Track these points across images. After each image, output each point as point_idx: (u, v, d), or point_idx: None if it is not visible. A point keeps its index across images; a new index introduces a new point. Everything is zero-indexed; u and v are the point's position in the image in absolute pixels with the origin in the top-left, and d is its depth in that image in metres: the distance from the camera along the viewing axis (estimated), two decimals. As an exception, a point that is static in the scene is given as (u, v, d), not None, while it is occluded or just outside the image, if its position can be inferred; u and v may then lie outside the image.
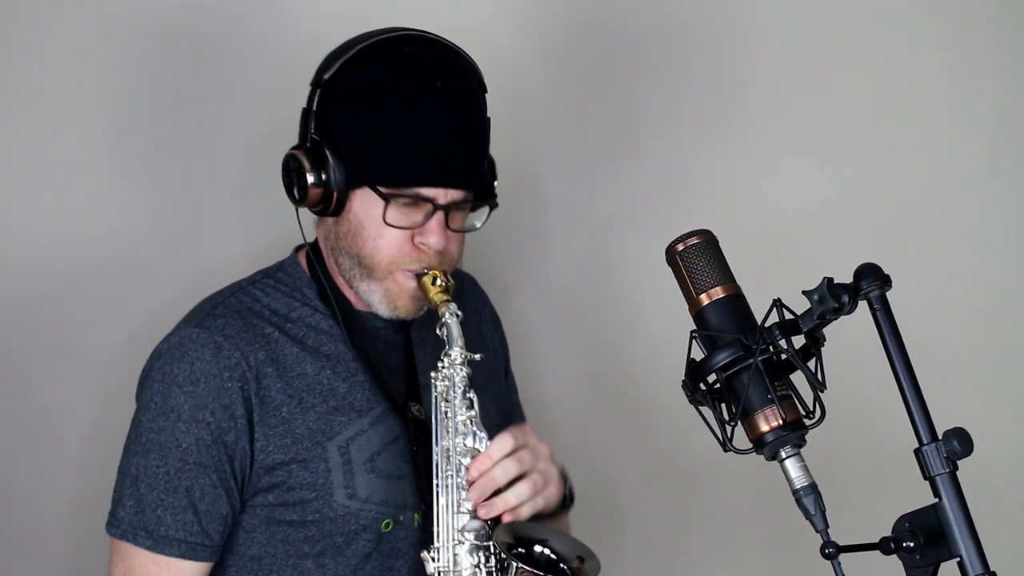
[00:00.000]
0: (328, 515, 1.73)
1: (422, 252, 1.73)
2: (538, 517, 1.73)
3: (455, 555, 1.68)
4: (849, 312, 1.33)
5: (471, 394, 1.72)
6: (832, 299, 1.31)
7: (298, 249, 1.86)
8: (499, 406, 1.96)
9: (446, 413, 1.72)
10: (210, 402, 1.68)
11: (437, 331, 1.74)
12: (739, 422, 1.36)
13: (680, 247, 1.40)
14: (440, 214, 1.71)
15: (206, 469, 1.68)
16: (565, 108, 2.36)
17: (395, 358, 1.83)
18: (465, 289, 1.95)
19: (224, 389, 1.69)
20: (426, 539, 1.72)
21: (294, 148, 1.76)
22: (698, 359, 1.37)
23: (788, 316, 1.35)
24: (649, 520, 2.39)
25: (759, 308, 1.37)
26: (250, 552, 1.75)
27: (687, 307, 1.41)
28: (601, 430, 2.37)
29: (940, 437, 1.30)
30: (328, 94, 1.73)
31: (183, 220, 2.18)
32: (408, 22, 1.78)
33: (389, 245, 1.73)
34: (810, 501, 1.33)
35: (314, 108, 1.74)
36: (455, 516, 1.69)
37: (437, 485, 1.70)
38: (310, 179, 1.72)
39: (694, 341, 1.38)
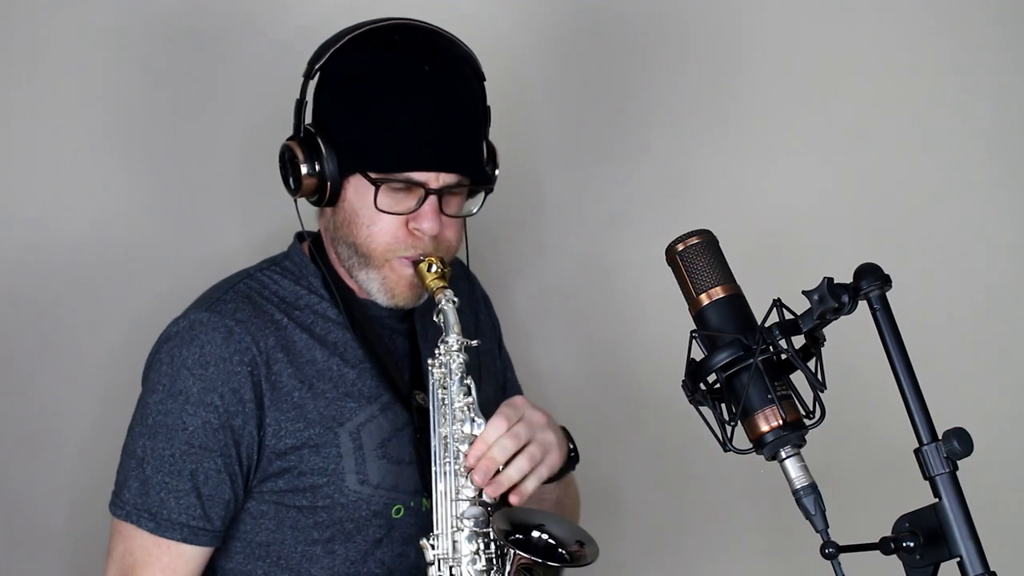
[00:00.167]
0: (339, 501, 1.73)
1: (417, 238, 1.73)
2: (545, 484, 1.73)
3: (454, 542, 1.68)
4: (849, 312, 1.33)
5: (468, 380, 1.72)
6: (832, 299, 1.31)
7: (300, 238, 1.86)
8: (497, 386, 1.96)
9: (443, 400, 1.71)
10: (219, 385, 1.68)
11: (434, 318, 1.74)
12: (739, 422, 1.36)
13: (680, 247, 1.40)
14: (433, 199, 1.71)
15: (211, 453, 1.68)
16: (564, 107, 2.36)
17: (400, 346, 1.83)
18: (455, 273, 1.96)
19: (233, 373, 1.69)
20: (432, 526, 1.71)
21: (289, 139, 1.77)
22: (698, 359, 1.37)
23: (788, 316, 1.35)
24: (649, 520, 2.39)
25: (759, 308, 1.37)
26: (258, 539, 1.75)
27: (687, 307, 1.41)
28: (601, 430, 2.37)
29: (940, 437, 1.30)
30: (319, 84, 1.76)
31: (182, 214, 2.18)
32: (406, 16, 1.78)
33: (384, 232, 1.73)
34: (810, 501, 1.33)
35: (306, 98, 1.76)
36: (454, 503, 1.69)
37: (436, 472, 1.70)
38: (304, 169, 1.73)
39: (694, 341, 1.38)
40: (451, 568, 1.68)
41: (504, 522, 1.65)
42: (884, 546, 1.30)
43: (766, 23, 2.39)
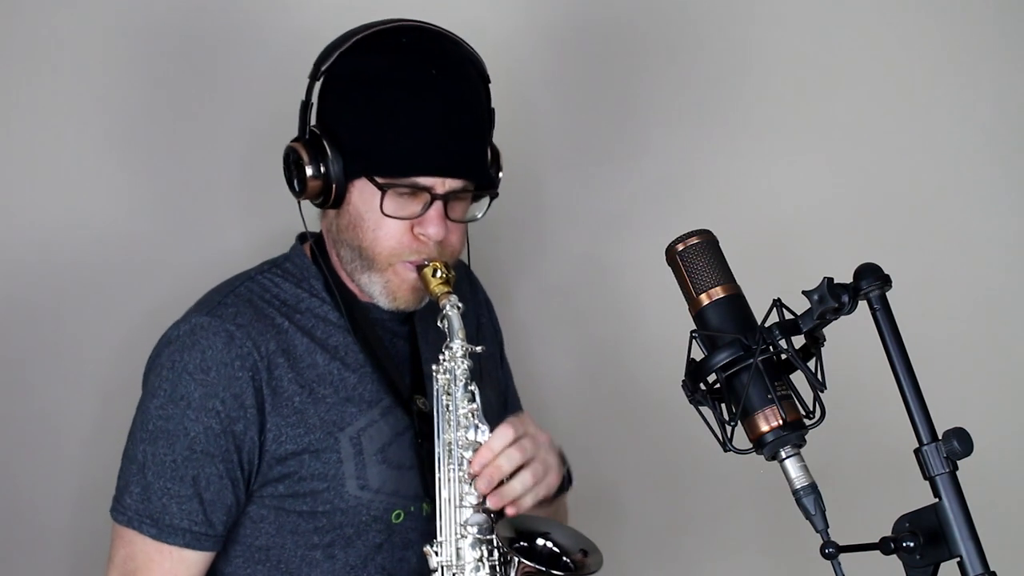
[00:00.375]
0: (339, 506, 1.72)
1: (422, 243, 1.73)
2: (539, 505, 1.73)
3: (458, 549, 1.68)
4: (849, 312, 1.33)
5: (472, 387, 1.71)
6: (832, 299, 1.31)
7: (301, 240, 1.86)
8: (498, 392, 1.96)
9: (447, 406, 1.71)
10: (220, 391, 1.68)
11: (438, 323, 1.73)
12: (739, 422, 1.36)
13: (680, 247, 1.40)
14: (439, 204, 1.71)
15: (213, 458, 1.68)
16: (565, 107, 2.36)
17: (401, 350, 1.83)
18: (458, 276, 1.95)
19: (235, 378, 1.68)
20: (435, 530, 1.71)
21: (294, 141, 1.76)
22: (698, 359, 1.37)
23: (788, 316, 1.35)
24: (649, 520, 2.39)
25: (759, 308, 1.37)
26: (258, 543, 1.74)
27: (687, 307, 1.40)
28: (601, 430, 2.37)
29: (940, 437, 1.30)
30: (325, 86, 1.74)
31: (184, 215, 2.18)
32: (411, 17, 1.78)
33: (389, 236, 1.72)
34: (810, 501, 1.33)
35: (312, 100, 1.75)
36: (457, 510, 1.68)
37: (439, 479, 1.70)
38: (309, 171, 1.72)
39: (694, 341, 1.38)
40: (454, 575, 1.67)
41: (508, 530, 1.65)
42: (884, 546, 1.30)
43: (766, 24, 2.39)
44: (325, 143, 1.72)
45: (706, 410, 1.38)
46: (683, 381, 1.39)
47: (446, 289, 1.72)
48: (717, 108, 2.38)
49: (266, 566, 1.75)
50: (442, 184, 1.71)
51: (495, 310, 2.06)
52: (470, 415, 1.70)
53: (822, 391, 1.35)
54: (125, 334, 2.12)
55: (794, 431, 1.34)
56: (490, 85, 1.79)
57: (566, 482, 1.82)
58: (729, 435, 1.36)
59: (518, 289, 2.32)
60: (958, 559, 1.28)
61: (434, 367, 1.73)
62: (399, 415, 1.77)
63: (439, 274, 1.72)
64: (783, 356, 1.36)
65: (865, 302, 1.33)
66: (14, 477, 2.12)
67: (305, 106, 1.76)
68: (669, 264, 1.41)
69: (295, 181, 1.75)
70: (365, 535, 1.75)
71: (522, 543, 1.64)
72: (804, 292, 1.33)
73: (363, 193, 1.72)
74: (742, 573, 2.45)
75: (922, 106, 2.43)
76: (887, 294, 1.33)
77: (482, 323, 1.99)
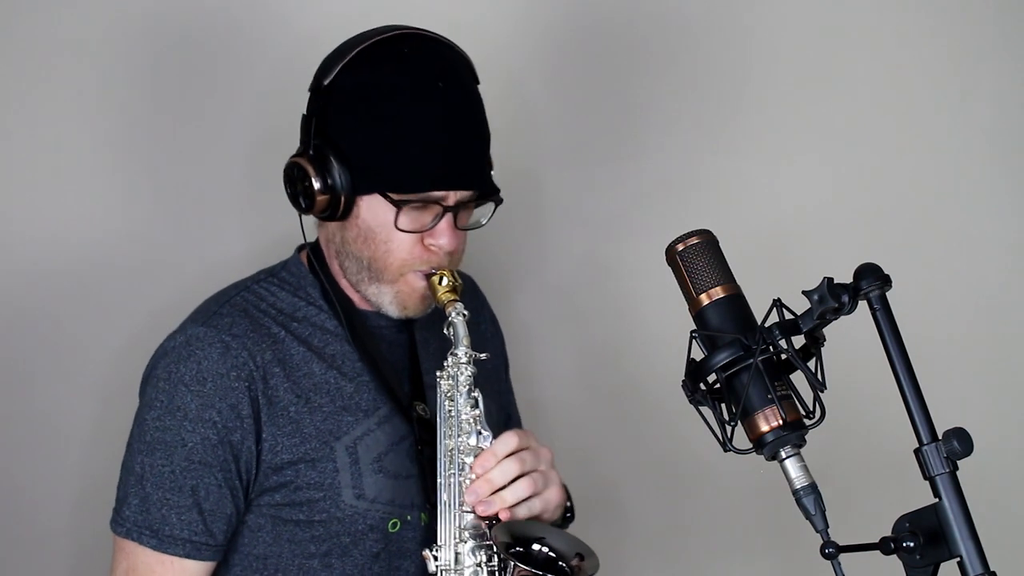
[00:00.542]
0: (335, 515, 1.73)
1: (433, 253, 1.73)
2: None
3: (457, 553, 1.68)
4: (849, 312, 1.33)
5: (476, 393, 1.72)
6: (832, 299, 1.31)
7: (300, 249, 1.86)
8: (499, 406, 1.96)
9: (450, 412, 1.72)
10: (216, 401, 1.68)
11: (444, 330, 1.74)
12: (739, 422, 1.36)
13: (680, 247, 1.40)
14: (449, 215, 1.71)
15: (211, 468, 1.68)
16: (565, 108, 2.36)
17: (399, 358, 1.83)
18: (465, 290, 1.96)
19: (231, 389, 1.68)
20: (432, 539, 1.71)
21: (296, 155, 1.75)
22: (698, 359, 1.37)
23: (788, 316, 1.35)
24: (649, 520, 2.39)
25: (759, 308, 1.37)
26: (256, 552, 1.75)
27: (687, 307, 1.41)
28: (601, 430, 2.37)
29: (940, 437, 1.30)
30: (329, 99, 1.72)
31: (184, 220, 2.18)
32: (407, 21, 1.78)
33: (400, 249, 1.72)
34: (810, 501, 1.33)
35: (315, 114, 1.73)
36: (458, 515, 1.69)
37: (440, 484, 1.70)
38: (316, 186, 1.70)
39: (694, 341, 1.38)
40: None
41: (505, 534, 1.65)
42: (884, 546, 1.30)
43: (766, 24, 2.39)
44: (331, 157, 1.70)
45: (706, 410, 1.38)
46: (683, 381, 1.39)
47: (453, 297, 1.73)
48: (717, 108, 2.38)
49: (263, 574, 1.75)
50: (454, 196, 1.71)
51: (498, 319, 2.06)
52: (472, 421, 1.71)
53: (822, 391, 1.35)
54: (126, 337, 2.12)
55: (794, 431, 1.34)
56: (488, 86, 1.79)
57: (568, 518, 1.82)
58: (729, 435, 1.36)
59: (518, 290, 2.33)
60: (958, 559, 1.28)
61: (438, 373, 1.73)
62: (397, 423, 1.77)
63: (446, 282, 1.73)
64: (783, 356, 1.36)
65: (865, 302, 1.33)
66: (14, 479, 2.12)
67: (307, 120, 1.74)
68: (669, 264, 1.41)
69: (301, 196, 1.73)
70: (362, 544, 1.75)
71: (518, 548, 1.64)
72: (804, 292, 1.33)
73: (373, 207, 1.72)
74: (742, 573, 2.45)
75: (922, 106, 2.43)
76: (887, 294, 1.33)
77: (488, 337, 1.99)
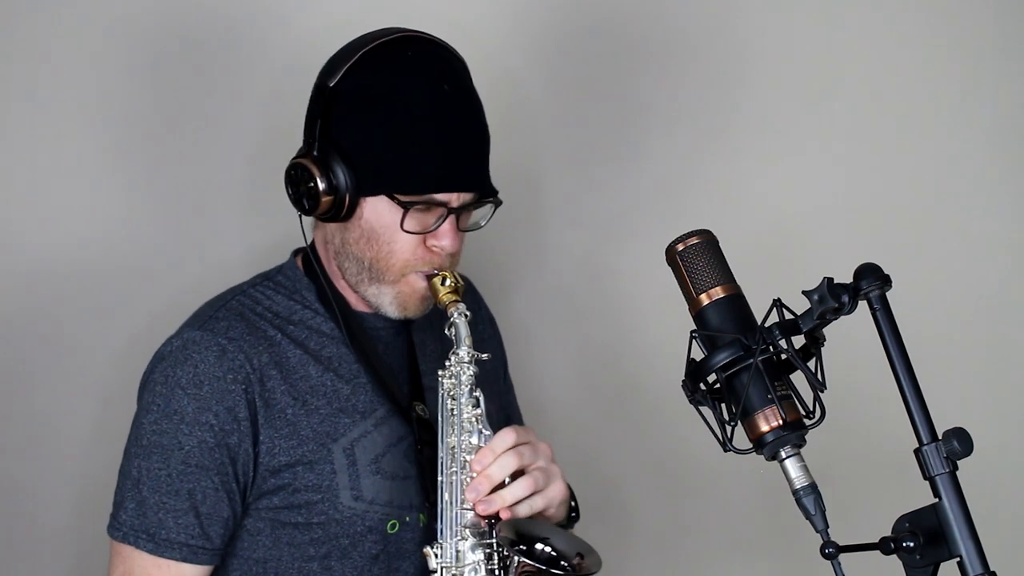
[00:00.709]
0: (334, 517, 1.73)
1: (434, 254, 1.74)
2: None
3: (458, 551, 1.68)
4: (849, 312, 1.33)
5: (477, 392, 1.72)
6: (832, 299, 1.31)
7: (296, 253, 1.86)
8: (498, 407, 1.96)
9: (452, 411, 1.72)
10: (213, 404, 1.68)
11: (446, 331, 1.74)
12: (739, 422, 1.36)
13: (680, 247, 1.40)
14: (452, 217, 1.72)
15: (208, 472, 1.68)
16: (564, 108, 2.36)
17: (397, 359, 1.83)
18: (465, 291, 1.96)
19: (228, 392, 1.69)
20: (431, 539, 1.71)
21: (299, 157, 1.75)
22: (698, 359, 1.37)
23: (788, 316, 1.35)
24: (649, 520, 2.39)
25: (759, 308, 1.37)
26: (255, 555, 1.74)
27: (687, 307, 1.41)
28: (601, 430, 2.37)
29: (940, 437, 1.30)
30: (333, 102, 1.72)
31: (184, 221, 2.18)
32: (406, 21, 1.78)
33: (403, 250, 1.73)
34: (810, 501, 1.33)
35: (319, 116, 1.73)
36: (458, 512, 1.69)
37: (441, 482, 1.70)
38: (321, 186, 1.71)
39: (694, 341, 1.38)
40: (453, 575, 1.68)
41: (510, 531, 1.65)
42: (884, 546, 1.30)
43: (765, 24, 2.39)
44: (335, 159, 1.71)
45: (706, 410, 1.38)
46: (683, 381, 1.39)
47: (454, 298, 1.73)
48: (717, 108, 2.38)
49: None
50: (457, 198, 1.72)
51: (498, 319, 2.06)
52: (474, 420, 1.71)
53: (822, 391, 1.35)
54: (126, 338, 2.12)
55: (794, 431, 1.34)
56: (485, 86, 1.80)
57: (573, 518, 1.82)
58: (729, 435, 1.36)
59: (518, 291, 2.33)
60: (958, 559, 1.28)
61: (440, 372, 1.74)
62: (394, 425, 1.77)
63: (448, 283, 1.74)
64: (783, 356, 1.36)
65: (865, 302, 1.33)
66: (15, 479, 2.12)
67: (311, 121, 1.74)
68: (669, 264, 1.41)
69: (304, 198, 1.73)
70: (361, 546, 1.75)
71: (522, 546, 1.64)
72: (804, 292, 1.33)
73: (376, 208, 1.72)
74: (742, 573, 2.45)
75: (922, 106, 2.43)
76: (887, 294, 1.33)
77: (485, 338, 1.99)
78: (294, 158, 1.76)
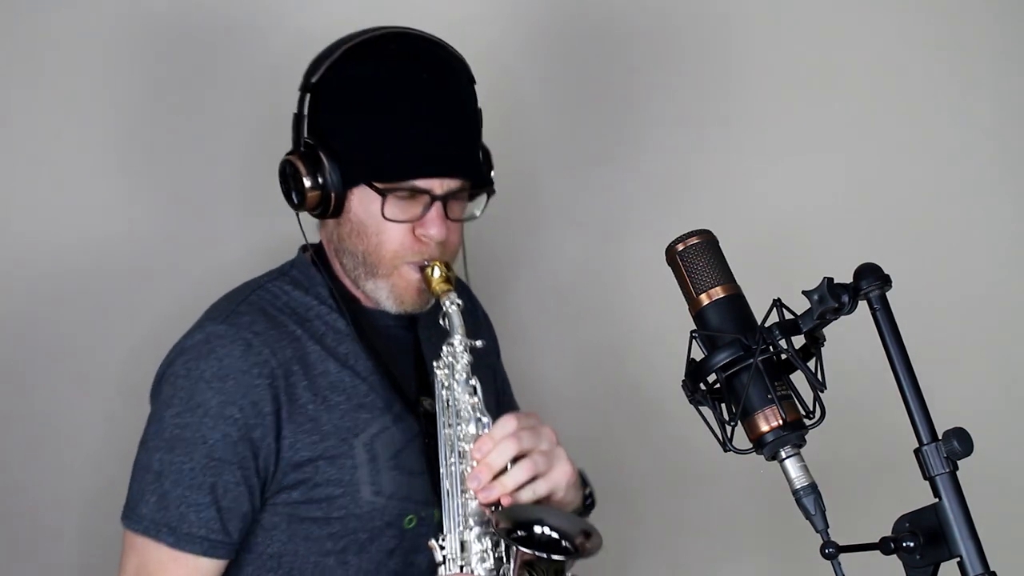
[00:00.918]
0: (354, 512, 1.73)
1: (424, 244, 1.74)
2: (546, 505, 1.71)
3: (463, 541, 1.68)
4: (849, 312, 1.33)
5: (474, 381, 1.72)
6: (832, 299, 1.31)
7: (303, 249, 1.86)
8: (495, 401, 1.96)
9: (448, 401, 1.72)
10: (238, 398, 1.67)
11: (440, 321, 1.74)
12: (739, 422, 1.35)
13: (680, 247, 1.40)
14: (438, 204, 1.72)
15: (231, 466, 1.67)
16: (562, 109, 2.36)
17: (405, 355, 1.83)
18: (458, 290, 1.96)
19: (253, 386, 1.68)
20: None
21: (289, 154, 1.77)
22: (698, 359, 1.37)
23: (788, 316, 1.35)
24: (649, 520, 2.39)
25: (759, 308, 1.37)
26: (270, 550, 1.74)
27: (687, 307, 1.40)
28: (600, 431, 2.37)
29: (940, 437, 1.30)
30: (317, 97, 1.75)
31: (185, 222, 2.18)
32: (404, 21, 1.78)
33: (391, 240, 1.73)
34: (810, 501, 1.33)
35: (305, 112, 1.76)
36: (461, 503, 1.68)
37: (443, 473, 1.70)
38: (307, 183, 1.73)
39: (694, 341, 1.38)
40: (461, 567, 1.67)
41: (505, 520, 1.63)
42: (884, 546, 1.30)
43: (764, 23, 2.39)
44: (321, 154, 1.73)
45: (706, 410, 1.38)
46: (683, 381, 1.39)
47: (447, 287, 1.73)
48: (716, 108, 2.38)
49: (278, 573, 1.75)
50: (440, 185, 1.72)
51: (496, 320, 2.06)
52: (471, 408, 1.70)
53: (822, 391, 1.35)
54: (127, 337, 2.12)
55: (794, 431, 1.34)
56: (481, 85, 1.80)
57: (589, 506, 1.82)
58: (729, 435, 1.36)
59: (516, 291, 2.33)
60: (958, 559, 1.28)
61: (434, 363, 1.74)
62: (411, 421, 1.77)
63: (438, 273, 1.74)
64: (783, 356, 1.36)
65: (865, 302, 1.33)
66: (19, 481, 2.12)
67: (297, 118, 1.77)
68: (669, 264, 1.41)
69: (293, 194, 1.76)
70: (378, 540, 1.75)
71: (520, 532, 1.62)
72: (804, 292, 1.33)
73: (363, 200, 1.73)
74: (742, 573, 2.45)
75: (922, 106, 2.43)
76: (887, 294, 1.33)
77: (482, 335, 1.98)
78: (285, 156, 1.78)
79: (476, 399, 1.71)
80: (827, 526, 1.32)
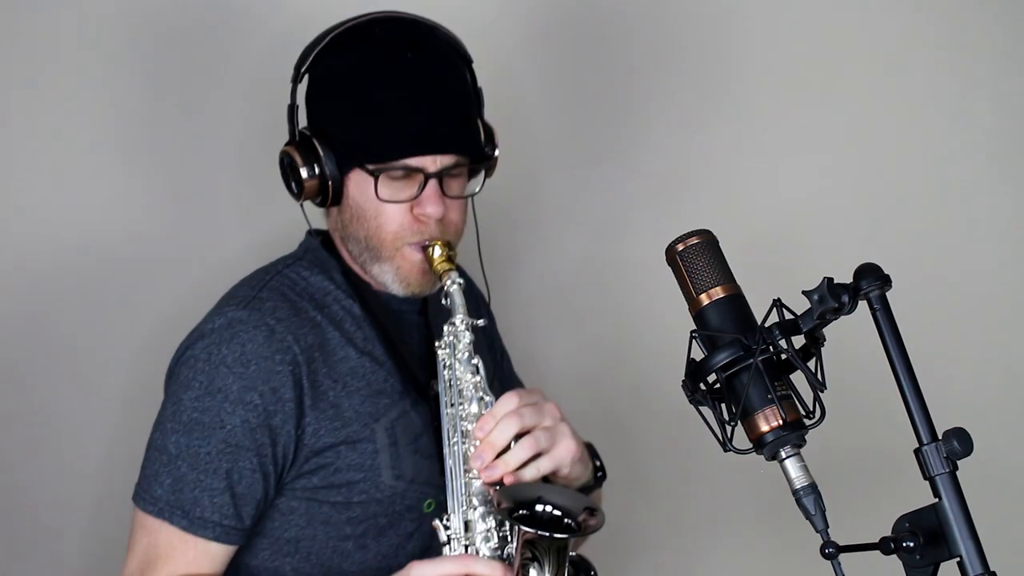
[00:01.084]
0: (375, 496, 1.73)
1: (423, 224, 1.74)
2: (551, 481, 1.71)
3: (467, 521, 1.68)
4: (849, 312, 1.33)
5: (476, 360, 1.72)
6: (832, 299, 1.31)
7: (311, 235, 1.86)
8: (495, 377, 1.95)
9: (450, 381, 1.71)
10: (259, 384, 1.67)
11: (442, 301, 1.74)
12: (739, 422, 1.35)
13: (680, 247, 1.40)
14: (434, 182, 1.73)
15: (248, 452, 1.67)
16: (562, 107, 2.36)
17: (418, 340, 1.84)
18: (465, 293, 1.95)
19: (275, 372, 1.68)
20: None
21: (286, 145, 1.79)
22: (698, 359, 1.37)
23: (788, 316, 1.35)
24: (649, 520, 2.39)
25: (759, 308, 1.37)
26: (287, 535, 1.74)
27: (687, 307, 1.40)
28: (600, 430, 2.36)
29: (940, 437, 1.30)
30: (309, 86, 1.77)
31: (186, 216, 2.18)
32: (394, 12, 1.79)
33: (390, 221, 1.74)
34: (810, 501, 1.33)
35: (296, 102, 1.78)
36: (464, 483, 1.68)
37: (446, 453, 1.70)
38: (303, 172, 1.74)
39: (694, 341, 1.38)
40: (466, 547, 1.67)
41: (507, 499, 1.62)
42: (884, 546, 1.30)
43: (765, 22, 2.39)
44: (315, 142, 1.74)
45: (706, 410, 1.38)
46: (683, 381, 1.39)
47: (448, 266, 1.74)
48: (717, 108, 2.38)
49: (295, 558, 1.75)
50: (433, 162, 1.73)
51: (497, 319, 2.06)
52: (474, 387, 1.71)
53: (822, 391, 1.34)
54: (127, 338, 2.12)
55: (794, 431, 1.34)
56: (484, 89, 1.81)
57: (600, 478, 1.82)
58: (729, 435, 1.36)
59: (516, 290, 2.33)
60: (958, 559, 1.28)
61: (437, 343, 1.74)
62: (428, 405, 1.78)
63: (439, 252, 1.74)
64: (783, 356, 1.35)
65: (865, 302, 1.33)
66: (15, 480, 2.12)
67: (291, 109, 1.78)
68: (669, 264, 1.41)
69: (293, 184, 1.77)
70: (398, 525, 1.76)
71: (521, 511, 1.61)
72: (804, 292, 1.32)
73: (359, 184, 1.74)
74: (742, 573, 2.45)
75: (922, 106, 2.43)
76: (887, 294, 1.33)
77: (482, 313, 1.98)
78: (283, 147, 1.79)
79: (479, 378, 1.71)
80: (827, 526, 1.32)
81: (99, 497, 2.09)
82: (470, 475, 1.68)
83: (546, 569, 1.59)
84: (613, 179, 2.37)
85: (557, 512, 1.62)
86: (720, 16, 2.38)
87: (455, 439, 1.70)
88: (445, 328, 1.73)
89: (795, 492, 1.34)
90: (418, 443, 1.75)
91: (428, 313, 1.85)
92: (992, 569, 1.28)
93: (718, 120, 2.39)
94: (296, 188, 1.76)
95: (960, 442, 1.28)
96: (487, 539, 1.66)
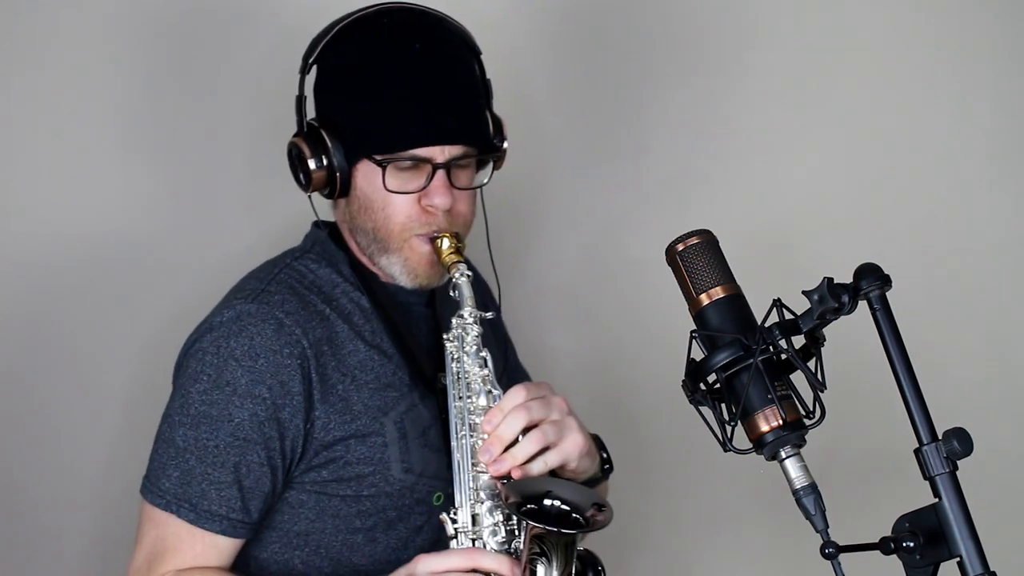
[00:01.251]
0: (384, 489, 1.73)
1: (431, 215, 1.74)
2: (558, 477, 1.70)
3: (474, 515, 1.67)
4: (849, 312, 1.33)
5: (484, 353, 1.72)
6: (832, 299, 1.31)
7: (317, 226, 1.85)
8: (502, 368, 1.95)
9: (458, 374, 1.71)
10: (268, 378, 1.67)
11: (450, 292, 1.74)
12: (739, 422, 1.35)
13: (680, 247, 1.40)
14: (441, 173, 1.72)
15: (256, 445, 1.67)
16: (566, 107, 2.36)
17: (426, 332, 1.83)
18: (476, 292, 1.95)
19: (283, 366, 1.68)
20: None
21: (294, 136, 1.78)
22: (698, 359, 1.37)
23: (788, 316, 1.35)
24: (648, 520, 2.39)
25: (759, 308, 1.37)
26: (296, 528, 1.74)
27: (687, 307, 1.40)
28: (601, 430, 2.36)
29: (940, 437, 1.30)
30: (317, 77, 1.77)
31: (186, 214, 2.18)
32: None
33: (398, 212, 1.73)
34: (810, 501, 1.33)
35: (304, 94, 1.78)
36: (472, 476, 1.67)
37: (454, 446, 1.69)
38: (311, 164, 1.74)
39: (694, 341, 1.38)
40: (473, 541, 1.66)
41: (514, 494, 1.60)
42: (884, 546, 1.30)
43: (767, 24, 2.39)
44: (323, 133, 1.74)
45: (706, 410, 1.38)
46: (683, 381, 1.39)
47: (456, 258, 1.73)
48: (717, 108, 2.38)
49: (304, 551, 1.75)
50: (441, 153, 1.72)
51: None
52: (482, 381, 1.70)
53: (822, 391, 1.35)
54: (127, 337, 2.12)
55: (794, 431, 1.34)
56: (488, 75, 1.81)
57: (607, 470, 1.81)
58: (729, 435, 1.36)
59: (518, 289, 2.32)
60: (958, 559, 1.28)
61: (444, 336, 1.74)
62: (435, 398, 1.77)
63: (447, 244, 1.74)
64: (783, 356, 1.35)
65: (865, 302, 1.33)
66: (17, 481, 2.12)
67: (299, 100, 1.78)
68: (669, 264, 1.41)
69: (301, 175, 1.77)
70: (408, 518, 1.75)
71: (531, 506, 1.60)
72: (804, 292, 1.33)
73: (367, 175, 1.74)
74: (742, 573, 2.45)
75: (922, 106, 2.43)
76: (887, 294, 1.33)
77: (488, 304, 1.98)
78: (291, 139, 1.79)
79: (487, 371, 1.71)
80: (827, 526, 1.32)
81: (99, 497, 2.09)
82: (478, 469, 1.67)
83: (554, 564, 1.58)
84: (614, 179, 2.37)
85: (565, 507, 1.60)
86: (722, 19, 2.38)
87: (463, 432, 1.69)
88: (453, 321, 1.73)
89: (795, 492, 1.34)
90: (426, 436, 1.75)
91: (436, 305, 1.85)
92: (992, 569, 1.28)
93: (718, 120, 2.39)
94: (304, 179, 1.76)
95: (960, 442, 1.28)
96: (494, 533, 1.65)
